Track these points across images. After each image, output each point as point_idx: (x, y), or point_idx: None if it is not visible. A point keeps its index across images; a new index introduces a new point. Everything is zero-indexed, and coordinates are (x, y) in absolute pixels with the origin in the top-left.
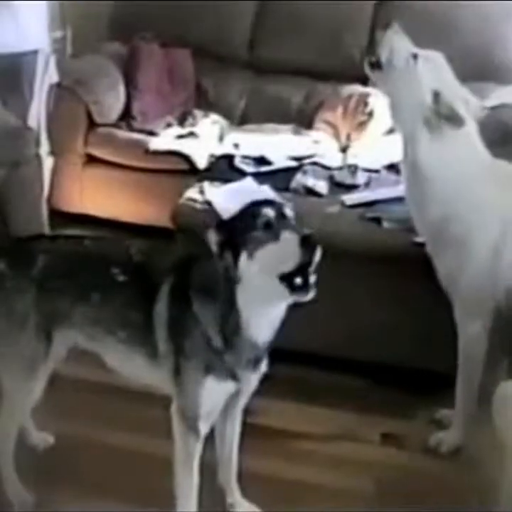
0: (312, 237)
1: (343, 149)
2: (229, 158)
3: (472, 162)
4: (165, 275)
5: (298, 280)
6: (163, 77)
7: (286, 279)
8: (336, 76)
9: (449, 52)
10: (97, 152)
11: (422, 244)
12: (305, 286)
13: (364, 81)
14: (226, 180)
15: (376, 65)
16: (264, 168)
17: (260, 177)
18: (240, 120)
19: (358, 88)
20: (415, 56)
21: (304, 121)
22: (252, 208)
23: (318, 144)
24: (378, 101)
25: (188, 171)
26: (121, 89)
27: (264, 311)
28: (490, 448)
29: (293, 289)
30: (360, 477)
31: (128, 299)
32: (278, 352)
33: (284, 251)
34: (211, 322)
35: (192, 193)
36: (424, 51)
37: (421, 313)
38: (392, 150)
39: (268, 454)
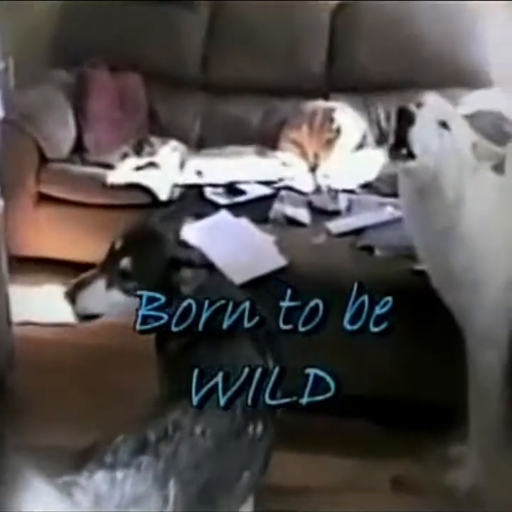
0: None
1: (312, 169)
2: (197, 188)
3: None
4: None
5: None
6: (114, 105)
7: None
8: (295, 92)
9: (415, 59)
10: (51, 190)
11: (421, 272)
12: None
13: (325, 95)
14: (197, 216)
15: (409, 156)
16: (239, 199)
17: (235, 208)
18: (197, 144)
19: (321, 103)
20: (444, 125)
21: (265, 141)
22: None
23: (287, 165)
24: (344, 116)
25: (150, 204)
26: (71, 120)
27: None
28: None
29: None
30: None
31: None
32: None
33: None
34: None
35: None
36: (449, 112)
37: (422, 344)
38: (364, 167)
39: None
